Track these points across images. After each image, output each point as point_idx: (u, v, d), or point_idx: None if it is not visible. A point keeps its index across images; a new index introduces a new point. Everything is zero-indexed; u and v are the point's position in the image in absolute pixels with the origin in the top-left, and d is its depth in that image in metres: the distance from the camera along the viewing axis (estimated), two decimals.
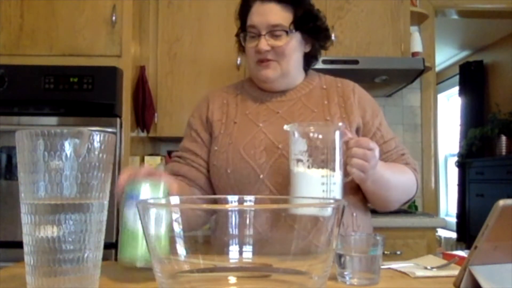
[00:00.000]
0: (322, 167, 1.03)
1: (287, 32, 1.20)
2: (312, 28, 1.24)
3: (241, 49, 1.32)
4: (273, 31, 1.19)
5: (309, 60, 1.31)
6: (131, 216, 0.83)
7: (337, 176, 1.04)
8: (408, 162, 1.27)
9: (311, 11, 1.25)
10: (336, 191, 1.04)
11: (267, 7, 1.20)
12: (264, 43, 1.18)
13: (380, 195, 1.18)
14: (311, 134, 1.03)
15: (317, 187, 1.02)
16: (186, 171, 1.27)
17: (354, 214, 1.21)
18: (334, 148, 1.03)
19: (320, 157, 1.03)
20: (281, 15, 1.20)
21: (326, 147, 1.03)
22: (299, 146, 1.04)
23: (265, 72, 1.22)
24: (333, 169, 1.03)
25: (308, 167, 1.03)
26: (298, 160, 1.04)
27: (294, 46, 1.22)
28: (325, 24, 1.28)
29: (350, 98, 1.26)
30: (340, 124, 1.05)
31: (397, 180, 1.19)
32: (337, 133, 1.04)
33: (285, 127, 1.05)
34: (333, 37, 2.61)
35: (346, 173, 1.06)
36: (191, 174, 1.27)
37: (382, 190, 1.16)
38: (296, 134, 1.04)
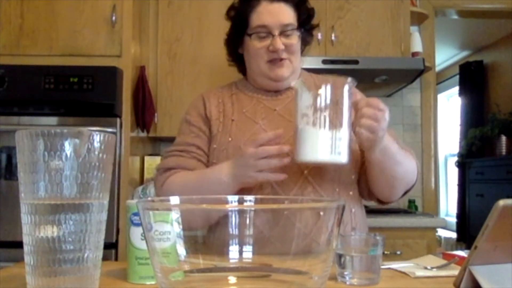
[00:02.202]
0: (329, 123, 0.99)
1: (296, 31, 1.23)
2: (310, 27, 1.30)
3: (230, 52, 1.34)
4: (285, 31, 1.21)
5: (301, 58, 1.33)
6: (137, 235, 0.82)
7: (344, 132, 1.00)
8: (405, 149, 1.24)
9: (310, 11, 1.29)
10: (342, 148, 1.00)
11: (276, 6, 1.22)
12: (280, 42, 1.20)
13: (386, 170, 1.14)
14: (319, 88, 0.99)
15: (323, 143, 0.99)
16: (194, 165, 1.24)
17: (353, 210, 1.21)
18: (342, 103, 0.99)
19: (327, 112, 0.99)
20: (290, 15, 1.23)
21: (334, 102, 0.99)
22: (305, 100, 1.01)
23: (281, 71, 1.23)
24: (340, 125, 0.99)
25: (314, 122, 0.99)
26: (304, 115, 1.00)
27: (299, 44, 1.26)
28: (314, 23, 1.32)
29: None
30: (350, 79, 1.02)
31: (402, 157, 1.16)
32: (346, 87, 1.00)
33: (293, 83, 1.03)
34: (333, 37, 2.62)
35: (355, 135, 1.02)
36: (200, 168, 1.24)
37: (389, 163, 1.12)
38: (304, 88, 1.01)
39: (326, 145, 0.99)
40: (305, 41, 1.31)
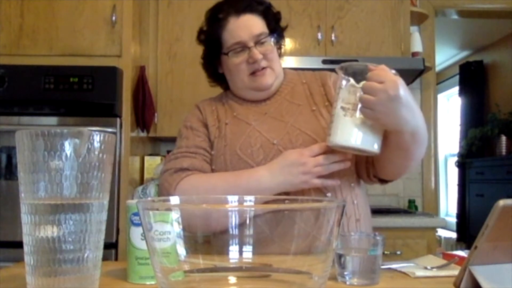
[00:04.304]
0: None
1: (269, 37, 1.24)
2: (281, 29, 1.31)
3: (210, 74, 1.34)
4: (259, 40, 1.21)
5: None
6: (137, 235, 0.82)
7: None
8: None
9: (277, 14, 1.30)
10: (378, 138, 1.03)
11: (245, 19, 1.22)
12: (257, 53, 1.20)
13: (411, 154, 1.10)
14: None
15: (359, 130, 1.01)
16: (206, 168, 1.23)
17: (355, 202, 1.21)
18: None
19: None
20: (260, 24, 1.23)
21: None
22: (346, 88, 1.03)
23: (265, 80, 1.23)
24: None
25: (352, 109, 1.02)
26: (342, 101, 1.03)
27: (275, 49, 1.27)
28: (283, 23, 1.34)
29: (328, 83, 1.29)
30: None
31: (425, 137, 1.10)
32: None
33: (337, 67, 1.05)
34: (333, 37, 2.62)
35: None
36: (209, 172, 1.23)
37: (419, 149, 1.09)
38: (345, 75, 1.04)
39: (363, 132, 1.01)
40: (279, 44, 1.32)
